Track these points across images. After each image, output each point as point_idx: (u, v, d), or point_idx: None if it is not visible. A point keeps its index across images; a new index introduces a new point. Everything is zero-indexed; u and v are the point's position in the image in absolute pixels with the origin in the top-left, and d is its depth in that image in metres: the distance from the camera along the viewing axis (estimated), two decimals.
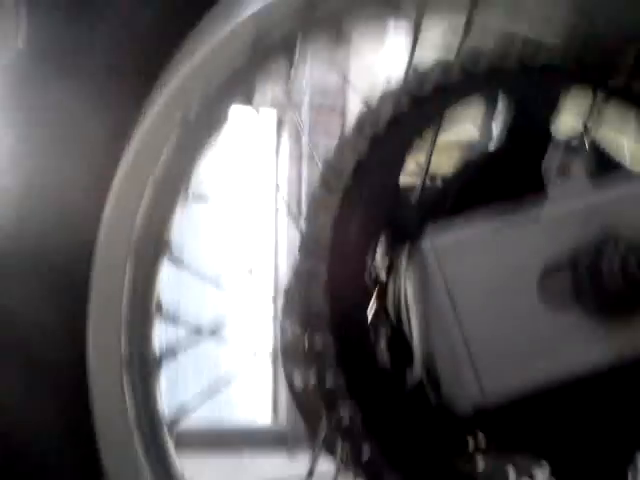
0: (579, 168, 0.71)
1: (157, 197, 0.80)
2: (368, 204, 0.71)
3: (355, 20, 0.89)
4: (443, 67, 0.75)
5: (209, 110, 0.84)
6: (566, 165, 0.71)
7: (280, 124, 5.83)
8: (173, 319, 0.90)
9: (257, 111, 0.90)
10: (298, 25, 0.82)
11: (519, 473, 1.00)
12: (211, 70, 0.78)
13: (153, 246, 0.82)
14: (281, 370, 1.10)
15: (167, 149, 0.77)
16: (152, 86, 0.75)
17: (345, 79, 1.07)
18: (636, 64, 0.79)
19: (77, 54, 0.72)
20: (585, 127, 0.99)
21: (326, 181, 0.69)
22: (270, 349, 1.04)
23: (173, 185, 0.84)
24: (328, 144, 0.74)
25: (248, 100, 0.88)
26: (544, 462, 0.76)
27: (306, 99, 5.71)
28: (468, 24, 0.89)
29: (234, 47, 0.78)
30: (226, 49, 0.78)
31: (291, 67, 0.88)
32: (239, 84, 0.84)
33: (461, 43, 0.93)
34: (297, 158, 5.83)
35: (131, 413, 0.74)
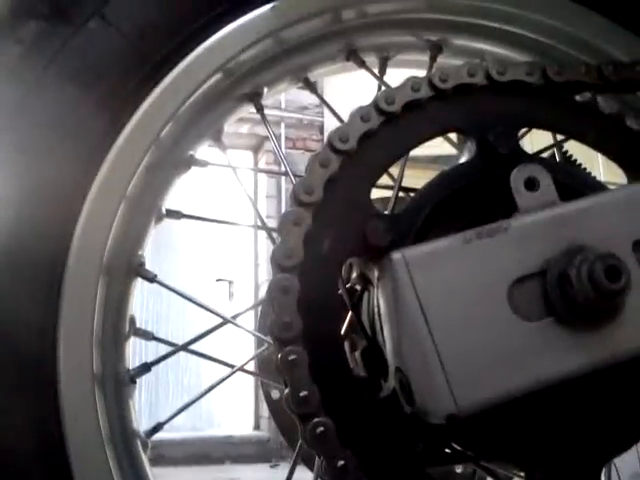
0: (547, 180, 0.72)
1: (130, 214, 0.80)
2: (340, 218, 0.71)
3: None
4: (413, 84, 0.76)
5: (183, 130, 0.85)
6: (535, 177, 0.72)
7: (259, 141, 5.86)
8: (147, 335, 0.89)
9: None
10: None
11: None
12: (183, 90, 0.78)
13: (126, 264, 0.82)
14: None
15: (141, 166, 0.77)
16: (128, 100, 0.75)
17: (320, 97, 1.09)
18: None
19: (50, 63, 0.72)
20: (555, 139, 1.02)
21: (298, 196, 0.69)
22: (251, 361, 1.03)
23: (147, 202, 0.84)
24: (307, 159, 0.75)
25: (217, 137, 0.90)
26: (520, 469, 0.76)
27: (284, 114, 5.75)
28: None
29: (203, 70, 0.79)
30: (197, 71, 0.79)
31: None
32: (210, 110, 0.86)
33: (430, 65, 0.96)
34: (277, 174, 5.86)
35: (104, 429, 0.73)
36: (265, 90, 0.94)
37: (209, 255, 5.86)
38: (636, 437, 0.75)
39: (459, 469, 1.01)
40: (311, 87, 0.99)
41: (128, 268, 0.83)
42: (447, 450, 0.76)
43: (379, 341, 0.77)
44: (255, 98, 0.93)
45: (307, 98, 5.59)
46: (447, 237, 0.68)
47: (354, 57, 0.96)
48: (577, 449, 0.72)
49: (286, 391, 0.63)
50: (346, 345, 0.85)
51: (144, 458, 0.81)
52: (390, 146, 0.76)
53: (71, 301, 0.70)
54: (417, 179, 0.80)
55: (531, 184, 0.71)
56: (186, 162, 0.90)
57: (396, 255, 0.65)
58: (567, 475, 0.71)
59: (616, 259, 0.63)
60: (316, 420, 0.64)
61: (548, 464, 0.71)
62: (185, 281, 5.39)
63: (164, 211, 0.90)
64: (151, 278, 0.86)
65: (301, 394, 0.63)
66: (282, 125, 5.77)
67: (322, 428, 0.64)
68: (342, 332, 0.80)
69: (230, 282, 5.88)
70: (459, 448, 0.73)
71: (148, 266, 0.87)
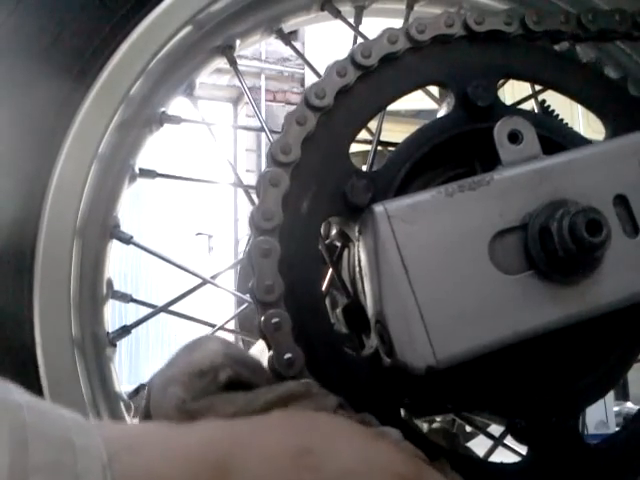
0: (531, 133, 0.71)
1: (102, 175, 0.78)
2: (319, 177, 0.70)
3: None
4: (389, 35, 0.74)
5: (153, 85, 0.82)
6: (518, 130, 0.71)
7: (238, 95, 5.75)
8: (125, 298, 0.88)
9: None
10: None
11: (475, 429, 1.03)
12: (152, 44, 0.75)
13: (100, 226, 0.80)
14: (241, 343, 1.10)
15: (111, 125, 0.75)
16: (94, 56, 0.72)
17: (295, 49, 1.06)
18: None
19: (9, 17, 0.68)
20: (534, 90, 1.01)
21: (275, 156, 0.68)
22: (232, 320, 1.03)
23: (119, 162, 0.82)
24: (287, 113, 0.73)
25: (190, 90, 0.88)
26: (500, 419, 0.78)
27: (264, 66, 5.63)
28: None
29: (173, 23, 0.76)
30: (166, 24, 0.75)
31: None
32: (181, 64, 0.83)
33: (407, 15, 0.93)
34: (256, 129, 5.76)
35: (86, 393, 0.72)
36: (238, 42, 0.91)
37: (188, 210, 5.81)
38: (609, 386, 0.77)
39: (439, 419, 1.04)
40: (285, 38, 0.96)
41: (103, 230, 0.81)
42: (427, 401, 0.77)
43: (360, 298, 0.76)
44: (227, 51, 0.90)
45: (288, 49, 5.45)
46: (429, 190, 0.67)
47: (329, 6, 0.93)
48: (555, 397, 0.74)
49: (270, 354, 0.63)
50: (327, 303, 0.85)
51: (128, 420, 0.81)
52: (368, 101, 0.74)
53: (46, 265, 0.69)
54: (400, 134, 0.78)
55: (514, 137, 0.70)
56: (158, 119, 0.88)
57: (378, 208, 0.65)
58: (546, 423, 0.72)
59: (597, 213, 0.63)
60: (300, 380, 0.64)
61: (527, 412, 0.73)
62: (164, 236, 5.35)
63: (137, 171, 0.87)
64: (127, 240, 0.85)
65: (285, 357, 0.62)
66: (262, 77, 5.65)
67: None
68: (323, 290, 0.80)
69: (209, 236, 5.86)
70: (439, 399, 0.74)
71: (127, 225, 0.85)
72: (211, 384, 0.56)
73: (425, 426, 1.02)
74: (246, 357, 0.61)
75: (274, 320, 0.63)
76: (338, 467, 0.48)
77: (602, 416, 3.78)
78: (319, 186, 0.70)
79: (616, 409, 4.09)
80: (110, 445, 0.42)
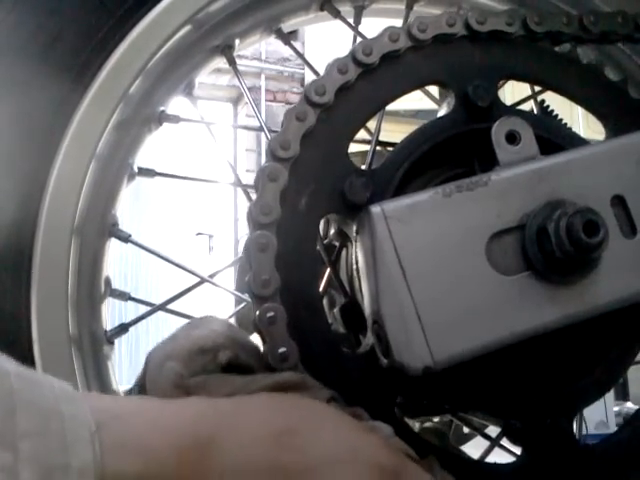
0: (529, 134, 0.71)
1: (101, 173, 0.78)
2: (317, 174, 0.70)
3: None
4: (391, 34, 0.74)
5: (152, 84, 0.82)
6: (516, 130, 0.71)
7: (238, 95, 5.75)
8: (123, 296, 0.88)
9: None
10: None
11: (471, 430, 1.03)
12: (152, 43, 0.75)
13: (99, 224, 0.80)
14: None
15: (110, 124, 0.75)
16: (93, 55, 0.72)
17: (294, 49, 1.06)
18: None
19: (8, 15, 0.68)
20: (533, 91, 1.01)
21: (274, 151, 0.68)
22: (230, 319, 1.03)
23: (117, 161, 0.82)
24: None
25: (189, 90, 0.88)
26: (496, 419, 0.78)
27: (264, 66, 5.63)
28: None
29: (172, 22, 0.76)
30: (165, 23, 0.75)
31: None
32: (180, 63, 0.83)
33: (406, 15, 0.93)
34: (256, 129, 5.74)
35: (82, 390, 0.72)
36: (237, 42, 0.91)
37: (189, 210, 5.82)
38: (607, 387, 0.77)
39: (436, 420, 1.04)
40: (285, 38, 0.96)
41: (101, 228, 0.81)
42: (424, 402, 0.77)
43: (357, 297, 0.76)
44: (227, 50, 0.90)
45: (288, 49, 5.44)
46: (427, 190, 0.67)
47: (328, 6, 0.93)
48: (552, 398, 0.74)
49: (264, 348, 0.63)
50: (325, 302, 0.85)
51: None
52: (368, 99, 0.74)
53: (43, 263, 0.69)
54: (399, 134, 0.78)
55: (512, 138, 0.70)
56: (157, 118, 0.88)
57: (375, 208, 0.65)
58: (542, 424, 0.72)
59: (594, 214, 0.63)
60: None
61: (523, 413, 0.73)
62: (165, 236, 5.36)
63: (136, 169, 0.87)
64: (125, 238, 0.85)
65: (279, 350, 0.62)
66: (262, 77, 5.65)
67: None
68: (321, 289, 0.80)
69: (210, 236, 5.86)
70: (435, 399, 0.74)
71: (127, 225, 0.85)
72: (210, 363, 0.56)
73: (417, 425, 1.02)
74: (247, 342, 0.61)
75: (269, 314, 0.63)
76: (321, 452, 0.48)
77: (602, 416, 3.79)
78: (318, 183, 0.70)
79: (616, 409, 4.10)
80: (98, 414, 0.42)
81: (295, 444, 0.47)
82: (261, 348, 0.63)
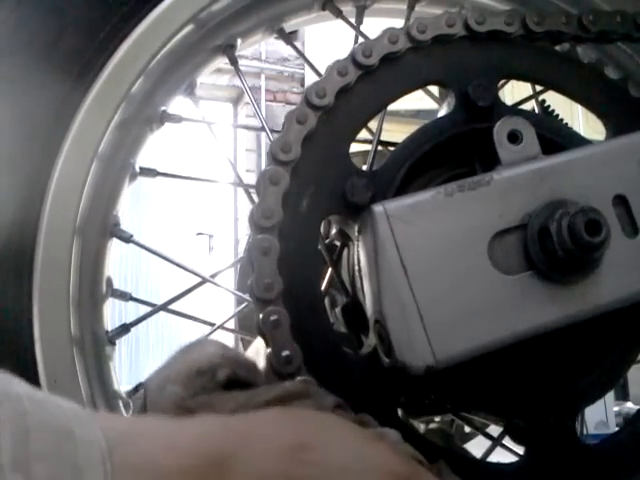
0: (530, 133, 0.71)
1: (103, 173, 0.78)
2: (319, 176, 0.70)
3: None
4: (390, 35, 0.74)
5: (154, 84, 0.82)
6: (518, 130, 0.71)
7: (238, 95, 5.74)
8: (125, 296, 0.88)
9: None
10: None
11: (473, 430, 1.03)
12: (154, 43, 0.75)
13: (100, 224, 0.80)
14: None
15: (112, 124, 0.75)
16: (96, 54, 0.72)
17: (296, 49, 1.06)
18: None
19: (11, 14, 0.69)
20: (534, 91, 1.01)
21: (275, 154, 0.68)
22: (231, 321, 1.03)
23: (119, 160, 0.82)
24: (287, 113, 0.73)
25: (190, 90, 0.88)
26: (498, 419, 0.78)
27: (264, 66, 5.63)
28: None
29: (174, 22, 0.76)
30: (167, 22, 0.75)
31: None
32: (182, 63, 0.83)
33: (408, 15, 0.93)
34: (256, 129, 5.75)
35: (84, 390, 0.72)
36: (239, 41, 0.91)
37: (189, 210, 5.81)
38: (608, 387, 0.77)
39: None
40: (286, 38, 0.96)
41: (103, 228, 0.81)
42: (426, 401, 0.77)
43: (359, 297, 0.76)
44: (228, 50, 0.90)
45: (288, 49, 5.45)
46: (429, 190, 0.67)
47: (330, 6, 0.93)
48: (554, 398, 0.74)
49: (268, 351, 0.63)
50: (326, 302, 0.85)
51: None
52: (368, 100, 0.74)
53: (45, 263, 0.69)
54: (400, 134, 0.78)
55: (514, 137, 0.70)
56: (159, 118, 0.88)
57: (377, 208, 0.65)
58: (544, 423, 0.72)
59: (596, 213, 0.63)
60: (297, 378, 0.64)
61: (526, 413, 0.73)
62: (165, 236, 5.35)
63: (138, 169, 0.87)
64: (127, 238, 0.85)
65: (283, 354, 0.62)
66: (262, 77, 5.64)
67: None
68: (322, 289, 0.80)
69: (210, 236, 5.85)
70: (437, 398, 0.74)
71: (128, 223, 0.85)
72: (209, 383, 0.56)
73: (422, 427, 1.02)
74: (243, 359, 0.61)
75: (272, 317, 0.63)
76: (335, 464, 0.48)
77: (602, 416, 3.78)
78: (319, 185, 0.70)
79: (616, 409, 4.10)
80: (109, 435, 0.42)
81: (308, 458, 0.47)
82: (258, 361, 0.63)
